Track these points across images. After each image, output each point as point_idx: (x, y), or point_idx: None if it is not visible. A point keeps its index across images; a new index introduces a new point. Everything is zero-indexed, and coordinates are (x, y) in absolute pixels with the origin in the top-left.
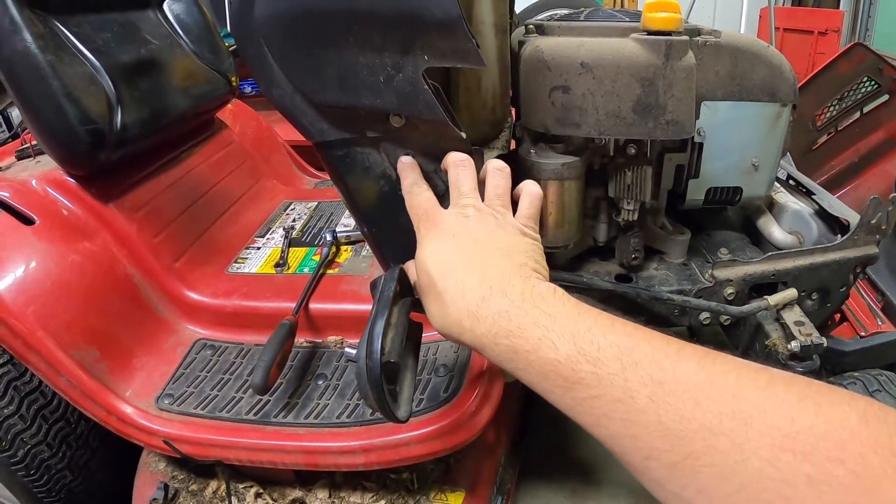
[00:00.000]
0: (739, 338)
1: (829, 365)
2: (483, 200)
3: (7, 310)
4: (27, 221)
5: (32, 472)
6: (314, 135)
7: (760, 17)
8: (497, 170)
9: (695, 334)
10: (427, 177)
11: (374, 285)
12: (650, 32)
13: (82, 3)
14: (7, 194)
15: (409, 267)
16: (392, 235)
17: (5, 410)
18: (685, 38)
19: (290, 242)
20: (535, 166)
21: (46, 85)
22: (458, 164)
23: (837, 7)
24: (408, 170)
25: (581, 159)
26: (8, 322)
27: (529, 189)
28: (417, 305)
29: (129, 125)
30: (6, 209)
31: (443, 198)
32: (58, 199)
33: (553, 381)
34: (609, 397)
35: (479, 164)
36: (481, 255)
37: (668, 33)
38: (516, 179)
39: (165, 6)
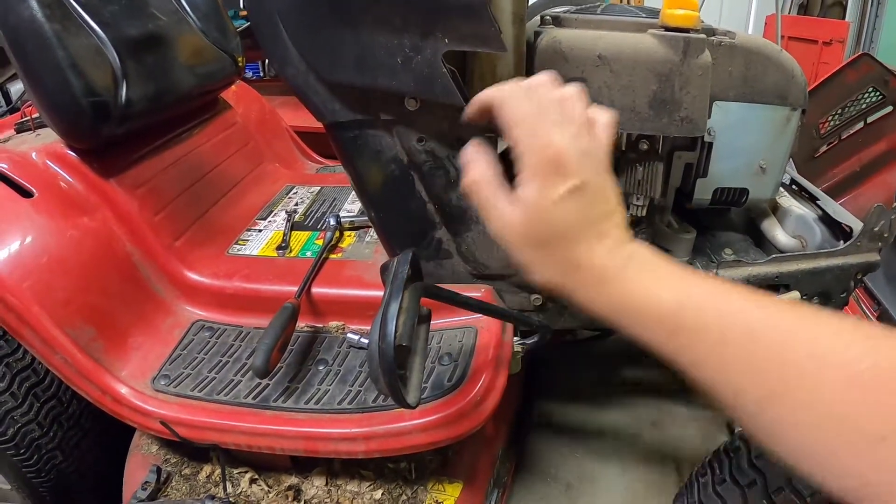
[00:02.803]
0: None
1: None
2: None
3: (2, 284)
4: (26, 194)
5: (22, 451)
6: (326, 115)
7: (766, 24)
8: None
9: None
10: (439, 162)
11: (384, 268)
12: (668, 29)
13: None
14: (6, 166)
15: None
16: (399, 221)
17: None
18: (703, 36)
19: (293, 226)
20: None
21: (51, 55)
22: None
23: (843, 18)
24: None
25: None
26: (2, 296)
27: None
28: (429, 290)
29: (133, 100)
30: (4, 181)
31: (454, 184)
32: (58, 173)
33: (655, 329)
34: (708, 342)
35: (494, 151)
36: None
37: (687, 30)
38: None
39: None
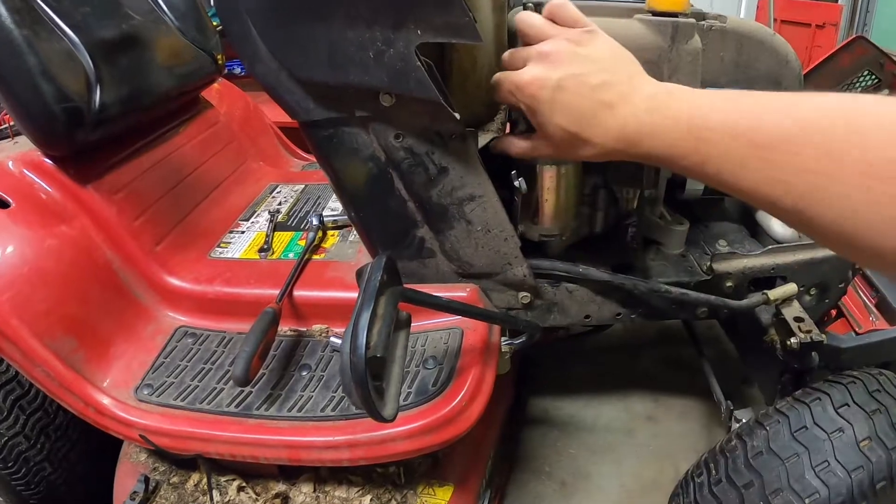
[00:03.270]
0: (736, 331)
1: (825, 361)
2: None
3: None
4: (2, 204)
5: (10, 464)
6: (300, 114)
7: (758, 7)
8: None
9: (689, 327)
10: (418, 159)
11: (359, 274)
12: (656, 13)
13: None
14: None
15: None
16: (380, 220)
17: None
18: (692, 21)
19: (276, 226)
20: None
21: (22, 61)
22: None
23: (836, 1)
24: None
25: None
26: None
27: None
28: (406, 295)
29: (108, 104)
30: None
31: (434, 181)
32: (34, 182)
33: (688, 143)
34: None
35: (475, 145)
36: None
37: (675, 15)
38: (511, 164)
39: None
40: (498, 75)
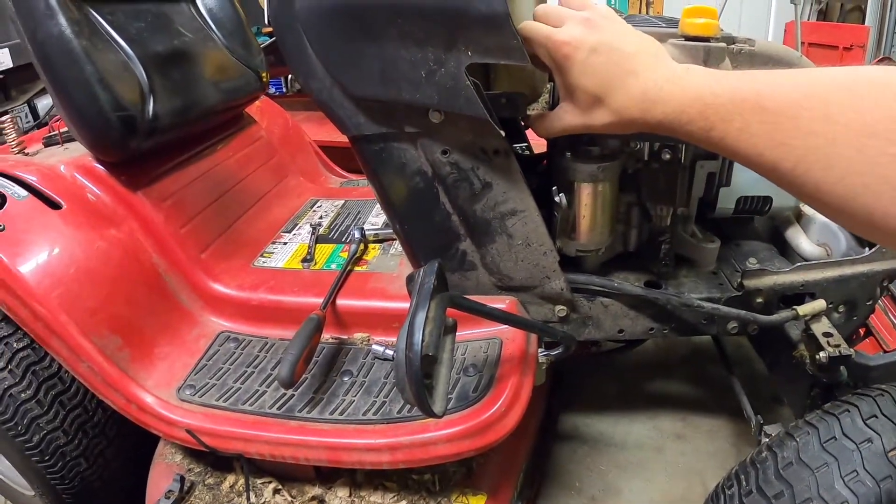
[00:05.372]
0: (766, 347)
1: (854, 379)
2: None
3: (31, 293)
4: (54, 206)
5: (47, 457)
6: (351, 128)
7: (786, 31)
8: None
9: (719, 344)
10: (464, 174)
11: (410, 279)
12: (688, 38)
13: None
14: (35, 178)
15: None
16: (424, 233)
17: (23, 395)
18: (723, 45)
19: (318, 238)
20: (571, 168)
21: (80, 70)
22: None
23: (862, 22)
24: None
25: (616, 163)
26: (31, 305)
27: None
28: (454, 301)
29: (160, 114)
30: (34, 193)
31: (478, 196)
32: (85, 185)
33: (706, 118)
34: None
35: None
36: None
37: (706, 39)
38: (551, 182)
39: (199, 0)
40: (532, 27)
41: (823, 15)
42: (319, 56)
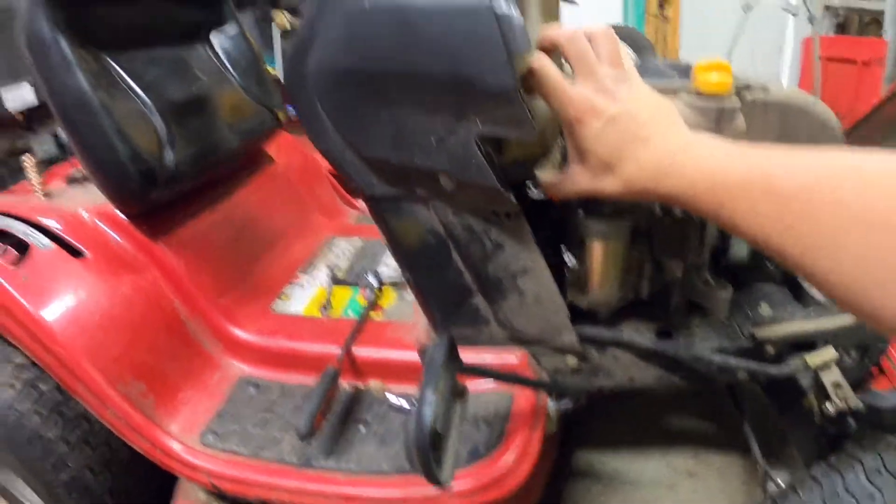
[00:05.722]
0: (776, 393)
1: (870, 420)
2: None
3: (56, 341)
4: (77, 254)
5: (74, 494)
6: (364, 188)
7: (803, 47)
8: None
9: (732, 389)
10: (476, 236)
11: (422, 353)
12: (700, 94)
13: (133, 40)
14: (59, 227)
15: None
16: (438, 287)
17: (50, 434)
18: (737, 103)
19: (335, 280)
20: (582, 225)
21: (98, 122)
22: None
23: (881, 36)
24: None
25: (628, 220)
26: (56, 353)
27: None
28: (465, 369)
29: (179, 163)
30: (57, 241)
31: (490, 256)
32: (108, 233)
33: (718, 198)
34: (778, 205)
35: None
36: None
37: (720, 96)
38: (560, 237)
39: (213, 40)
40: (545, 68)
41: (842, 28)
42: (331, 117)
